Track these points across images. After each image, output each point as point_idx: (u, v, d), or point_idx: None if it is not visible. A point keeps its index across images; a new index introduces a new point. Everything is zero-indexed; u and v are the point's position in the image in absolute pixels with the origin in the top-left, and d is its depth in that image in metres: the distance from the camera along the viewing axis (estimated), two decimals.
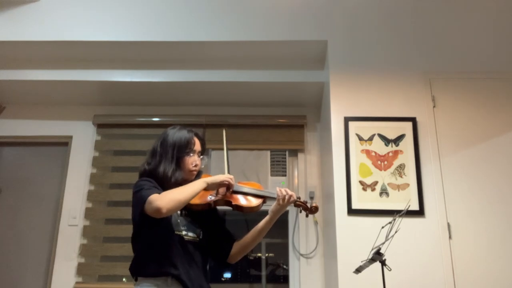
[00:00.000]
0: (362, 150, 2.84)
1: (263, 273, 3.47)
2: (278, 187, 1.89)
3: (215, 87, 3.45)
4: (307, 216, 1.96)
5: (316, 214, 3.34)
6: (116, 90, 3.52)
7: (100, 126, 3.66)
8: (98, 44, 3.27)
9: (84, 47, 3.29)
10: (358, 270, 2.01)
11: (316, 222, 3.35)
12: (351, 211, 2.70)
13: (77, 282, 3.27)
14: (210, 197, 1.86)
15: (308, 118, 3.62)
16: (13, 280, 3.37)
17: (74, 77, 3.40)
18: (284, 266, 3.42)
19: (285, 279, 3.40)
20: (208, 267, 1.92)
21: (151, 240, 1.75)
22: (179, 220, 1.82)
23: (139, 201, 1.71)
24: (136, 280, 1.77)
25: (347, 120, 2.90)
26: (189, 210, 1.85)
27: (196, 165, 1.89)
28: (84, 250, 3.35)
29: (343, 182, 2.77)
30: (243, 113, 3.64)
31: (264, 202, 1.92)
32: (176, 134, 1.90)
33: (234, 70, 3.38)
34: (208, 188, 1.80)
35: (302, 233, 3.35)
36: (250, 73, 3.37)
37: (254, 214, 1.94)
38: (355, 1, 3.24)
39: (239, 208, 1.87)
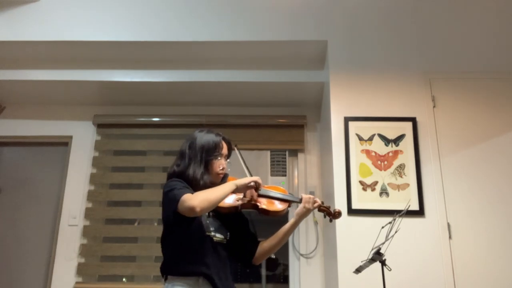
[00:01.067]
0: (362, 150, 2.84)
1: (263, 273, 3.47)
2: (303, 194, 1.96)
3: (215, 87, 3.45)
4: (330, 221, 2.02)
5: (316, 214, 3.36)
6: (116, 90, 3.52)
7: (100, 126, 3.66)
8: (98, 44, 3.27)
9: (84, 47, 3.29)
10: (358, 270, 2.01)
11: (316, 222, 3.35)
12: (351, 211, 2.70)
13: (77, 282, 3.27)
14: (238, 200, 1.89)
15: (308, 118, 3.62)
16: (13, 280, 3.37)
17: (74, 77, 3.40)
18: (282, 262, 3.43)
19: (285, 279, 3.40)
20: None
21: (184, 239, 1.77)
22: (208, 222, 1.85)
23: (171, 201, 1.73)
24: (166, 279, 1.79)
25: (347, 120, 2.90)
26: (217, 212, 1.89)
27: (223, 168, 1.92)
28: (84, 250, 3.35)
29: (343, 182, 2.77)
30: (243, 113, 3.64)
31: (289, 206, 1.97)
32: (204, 137, 1.94)
33: (234, 70, 3.38)
34: (237, 190, 1.83)
35: (302, 233, 3.35)
36: (250, 73, 3.37)
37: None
38: (355, 1, 3.24)
39: (265, 211, 1.91)
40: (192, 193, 1.73)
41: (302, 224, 3.34)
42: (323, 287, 3.21)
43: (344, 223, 2.68)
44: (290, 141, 3.57)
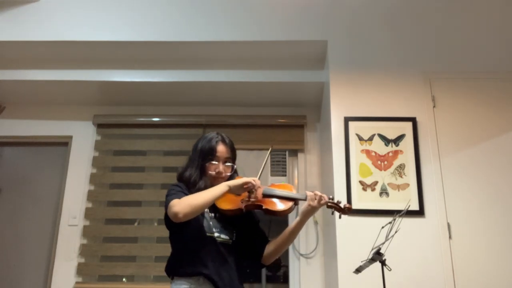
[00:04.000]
0: (362, 150, 2.83)
1: (263, 273, 3.47)
2: (308, 191, 1.87)
3: (215, 87, 3.45)
4: (340, 217, 1.90)
5: (316, 214, 3.35)
6: (116, 90, 3.52)
7: (100, 126, 3.66)
8: (98, 44, 3.27)
9: (84, 47, 3.29)
10: (358, 270, 2.01)
11: (316, 222, 3.35)
12: (351, 211, 2.69)
13: (77, 282, 3.27)
14: (242, 202, 1.87)
15: (308, 118, 3.62)
16: (13, 280, 3.37)
17: (74, 77, 3.40)
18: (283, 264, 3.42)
19: (285, 279, 3.40)
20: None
21: (183, 241, 1.80)
22: (211, 223, 1.85)
23: (166, 206, 1.77)
24: (172, 279, 1.82)
25: (347, 120, 2.90)
26: (222, 214, 1.89)
27: (218, 172, 1.90)
28: (84, 250, 3.35)
29: (343, 182, 2.77)
30: (243, 113, 3.64)
31: (296, 204, 1.89)
32: (203, 141, 1.95)
33: (234, 70, 3.38)
34: (231, 191, 1.81)
35: (302, 233, 3.34)
36: (250, 73, 3.37)
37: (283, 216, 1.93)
38: (355, 1, 3.24)
39: (269, 211, 1.87)
40: (182, 195, 1.77)
41: None
42: (323, 287, 3.21)
43: (344, 223, 2.67)
44: (290, 141, 3.57)
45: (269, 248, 1.92)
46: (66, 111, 3.71)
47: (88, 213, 3.43)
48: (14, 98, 3.64)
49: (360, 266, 1.99)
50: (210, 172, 1.89)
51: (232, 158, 1.97)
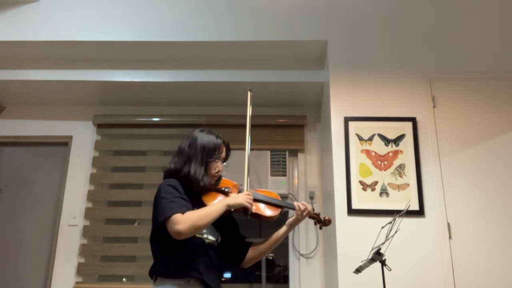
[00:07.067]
0: (362, 150, 2.84)
1: (263, 273, 3.47)
2: (296, 202, 1.97)
3: (215, 87, 3.45)
4: (320, 228, 2.03)
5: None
6: (116, 90, 3.52)
7: (100, 126, 3.66)
8: (98, 44, 3.27)
9: (84, 47, 3.29)
10: (358, 270, 2.01)
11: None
12: (351, 211, 2.70)
13: (77, 282, 3.27)
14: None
15: (308, 118, 3.62)
16: (13, 280, 3.37)
17: (74, 77, 3.40)
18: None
19: (285, 279, 3.40)
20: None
21: (173, 241, 1.73)
22: None
23: (162, 211, 1.72)
24: (155, 280, 1.78)
25: (347, 120, 2.90)
26: None
27: (218, 171, 1.92)
28: (84, 250, 3.35)
29: (343, 182, 2.77)
30: (243, 113, 3.62)
31: (281, 212, 1.96)
32: (205, 138, 1.93)
33: (234, 70, 3.38)
34: (229, 208, 1.81)
35: (302, 233, 3.35)
36: (250, 73, 3.37)
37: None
38: (355, 1, 3.24)
39: (258, 216, 1.90)
40: (184, 208, 1.71)
41: (302, 224, 3.34)
42: (323, 287, 3.21)
43: (344, 223, 2.68)
44: (290, 141, 3.57)
45: (252, 253, 1.96)
46: (66, 111, 3.71)
47: (88, 213, 3.43)
48: (14, 98, 3.64)
49: (360, 266, 1.99)
50: (211, 170, 1.89)
51: (227, 158, 2.01)
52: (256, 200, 1.92)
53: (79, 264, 3.31)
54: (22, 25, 3.28)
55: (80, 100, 3.68)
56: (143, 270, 3.27)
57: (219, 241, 1.88)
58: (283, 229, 1.95)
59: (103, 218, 3.47)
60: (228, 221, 1.95)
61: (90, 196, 3.48)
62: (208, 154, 1.89)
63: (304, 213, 1.94)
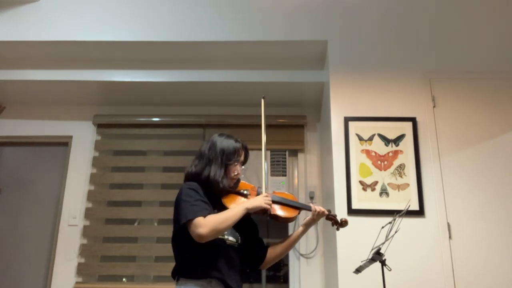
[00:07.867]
0: (362, 150, 2.84)
1: (263, 273, 3.47)
2: (312, 204, 2.03)
3: (215, 87, 3.45)
4: (337, 229, 2.07)
5: None
6: (116, 90, 3.52)
7: (100, 126, 3.66)
8: (98, 44, 3.27)
9: (84, 47, 3.29)
10: (358, 270, 2.01)
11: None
12: (351, 211, 2.70)
13: (77, 282, 3.27)
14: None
15: (308, 118, 3.62)
16: (13, 280, 3.37)
17: (74, 77, 3.40)
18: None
19: (285, 279, 3.40)
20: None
21: (194, 244, 1.75)
22: None
23: (183, 214, 1.75)
24: (177, 280, 1.80)
25: (347, 120, 2.90)
26: None
27: (237, 174, 1.95)
28: (84, 250, 3.35)
29: (343, 182, 2.77)
30: (243, 113, 3.64)
31: (299, 213, 2.01)
32: (224, 141, 1.97)
33: (234, 70, 3.38)
34: (248, 211, 1.85)
35: None
36: (250, 73, 3.37)
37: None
38: (355, 1, 3.24)
39: (276, 217, 1.94)
40: (205, 211, 1.75)
41: None
42: (323, 287, 3.21)
43: None
44: (290, 141, 3.57)
45: (271, 254, 2.00)
46: (66, 111, 3.71)
47: (88, 213, 3.43)
48: (14, 98, 3.65)
49: (360, 266, 1.99)
50: (230, 173, 1.93)
51: (245, 161, 2.04)
52: (274, 202, 1.95)
53: (79, 264, 3.31)
54: (22, 25, 3.28)
55: (80, 100, 3.68)
56: (143, 270, 3.29)
57: (239, 242, 1.90)
58: (300, 229, 2.01)
59: (103, 218, 3.47)
60: (248, 222, 1.98)
61: (90, 196, 3.48)
62: (228, 157, 1.92)
63: (321, 215, 1.98)
